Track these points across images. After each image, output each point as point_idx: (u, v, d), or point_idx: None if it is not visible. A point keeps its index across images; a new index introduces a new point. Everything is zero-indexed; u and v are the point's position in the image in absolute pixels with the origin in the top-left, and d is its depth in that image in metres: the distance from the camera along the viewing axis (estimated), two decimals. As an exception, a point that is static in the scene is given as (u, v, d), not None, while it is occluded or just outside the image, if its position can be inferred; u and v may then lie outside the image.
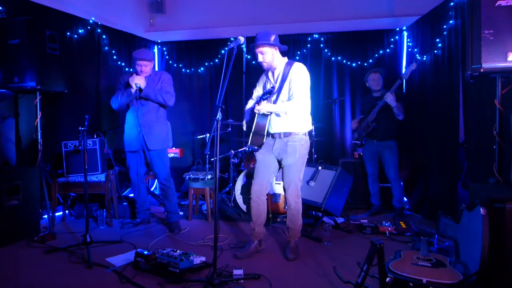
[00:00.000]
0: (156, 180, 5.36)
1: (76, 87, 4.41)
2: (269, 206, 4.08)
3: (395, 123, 4.20)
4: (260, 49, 3.00)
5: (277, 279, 2.64)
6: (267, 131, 3.09)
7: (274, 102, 3.03)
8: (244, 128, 3.27)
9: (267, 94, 2.98)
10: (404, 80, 4.18)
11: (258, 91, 3.28)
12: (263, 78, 3.27)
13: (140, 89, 3.62)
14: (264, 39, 2.97)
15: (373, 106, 4.23)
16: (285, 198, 3.16)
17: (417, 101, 4.53)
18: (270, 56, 3.01)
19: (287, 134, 3.04)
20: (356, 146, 4.70)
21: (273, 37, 3.00)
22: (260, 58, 3.04)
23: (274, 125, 3.06)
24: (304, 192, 3.17)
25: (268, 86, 3.15)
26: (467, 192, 3.29)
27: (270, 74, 3.15)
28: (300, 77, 2.98)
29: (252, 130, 3.15)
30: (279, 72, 3.07)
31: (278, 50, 3.05)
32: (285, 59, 3.12)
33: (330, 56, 5.39)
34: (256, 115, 3.11)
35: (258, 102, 3.04)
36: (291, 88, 2.98)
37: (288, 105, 2.96)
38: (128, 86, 3.65)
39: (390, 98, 4.04)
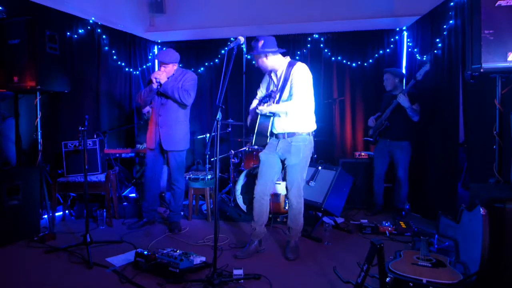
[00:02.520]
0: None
1: (76, 87, 4.41)
2: (269, 206, 4.09)
3: (409, 124, 4.15)
4: (255, 57, 3.11)
5: (277, 279, 2.64)
6: (271, 131, 3.09)
7: (277, 103, 3.03)
8: (248, 124, 3.28)
9: (267, 98, 3.01)
10: (418, 81, 4.14)
11: (262, 91, 3.29)
12: (266, 78, 3.27)
13: (160, 84, 3.63)
14: (253, 49, 3.03)
15: (389, 104, 4.23)
16: (287, 198, 3.16)
17: (417, 101, 4.52)
18: (261, 62, 3.08)
19: (291, 134, 3.04)
20: (355, 145, 4.69)
21: (260, 43, 2.99)
22: (256, 64, 3.15)
23: (278, 125, 3.06)
24: (304, 192, 3.17)
25: (271, 87, 3.16)
26: (467, 192, 3.29)
27: (273, 74, 3.16)
28: (300, 77, 2.98)
29: (255, 131, 3.16)
30: (281, 72, 3.09)
31: (274, 54, 3.05)
32: (287, 59, 3.12)
33: (330, 56, 5.39)
34: (259, 116, 3.12)
35: (259, 104, 3.06)
36: (291, 88, 2.99)
37: (288, 105, 2.97)
38: (150, 82, 3.67)
39: (402, 99, 4.03)
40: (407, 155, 4.21)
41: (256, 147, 4.30)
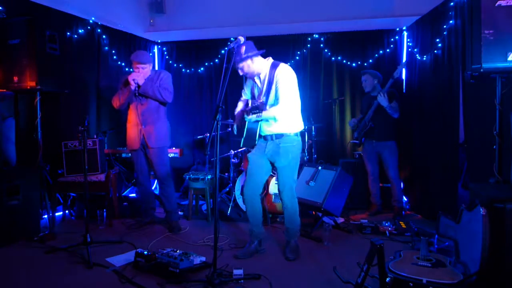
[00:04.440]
0: (155, 179, 5.36)
1: (76, 87, 4.41)
2: (269, 206, 4.09)
3: (393, 123, 4.21)
4: (236, 66, 2.99)
5: (277, 279, 2.64)
6: (259, 134, 3.09)
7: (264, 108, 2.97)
8: (235, 132, 3.26)
9: (255, 110, 2.86)
10: (395, 79, 4.17)
11: (246, 94, 3.28)
12: (250, 81, 3.23)
13: (138, 86, 3.62)
14: (236, 56, 2.92)
15: (370, 105, 4.26)
16: (281, 199, 3.15)
17: (417, 101, 4.52)
18: (247, 68, 3.00)
19: (279, 136, 3.02)
20: (355, 145, 4.70)
21: (243, 49, 2.92)
22: (240, 73, 3.07)
23: (265, 127, 3.05)
24: (304, 192, 3.17)
25: (256, 91, 3.14)
26: (467, 192, 3.28)
27: (256, 77, 3.12)
28: (285, 80, 2.94)
29: (244, 135, 3.16)
30: (265, 75, 3.05)
31: (256, 56, 2.99)
32: (270, 61, 3.08)
33: (330, 56, 5.39)
34: (247, 122, 3.10)
35: (247, 111, 2.95)
36: (277, 92, 2.95)
37: (276, 110, 2.93)
38: (127, 84, 3.65)
39: (380, 98, 4.09)
40: (394, 154, 4.25)
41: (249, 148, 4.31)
